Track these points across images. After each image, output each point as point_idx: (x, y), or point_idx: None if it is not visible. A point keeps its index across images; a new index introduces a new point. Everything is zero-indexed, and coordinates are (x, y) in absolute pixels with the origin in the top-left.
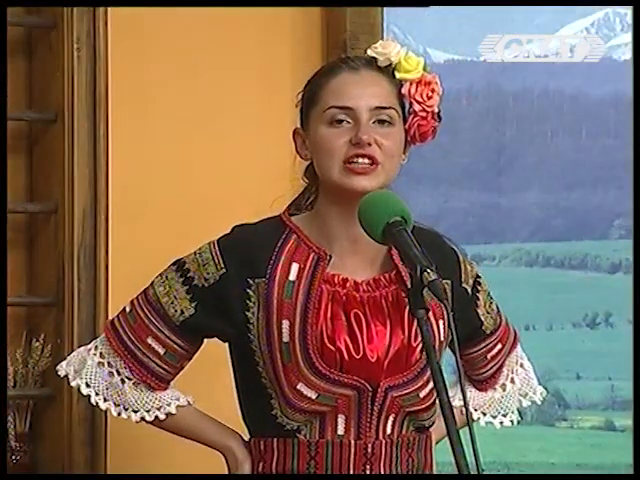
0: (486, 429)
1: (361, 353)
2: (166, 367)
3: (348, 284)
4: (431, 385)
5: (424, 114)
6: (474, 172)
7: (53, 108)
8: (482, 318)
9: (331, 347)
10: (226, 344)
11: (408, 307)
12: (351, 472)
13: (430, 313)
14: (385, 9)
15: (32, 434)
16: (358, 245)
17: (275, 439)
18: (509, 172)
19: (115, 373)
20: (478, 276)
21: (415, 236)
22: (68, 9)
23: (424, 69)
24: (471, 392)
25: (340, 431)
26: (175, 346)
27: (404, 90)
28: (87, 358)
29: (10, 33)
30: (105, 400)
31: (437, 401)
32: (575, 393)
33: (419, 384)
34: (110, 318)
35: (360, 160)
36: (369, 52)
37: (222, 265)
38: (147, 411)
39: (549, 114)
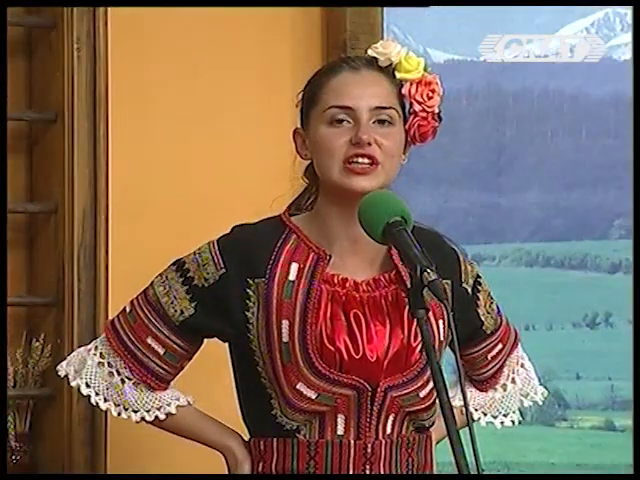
0: (486, 429)
1: (360, 353)
2: (166, 367)
3: (348, 284)
4: (431, 385)
5: (424, 114)
6: (474, 172)
7: (53, 108)
8: (482, 318)
9: (330, 347)
10: (226, 344)
11: (408, 307)
12: (351, 472)
13: (430, 313)
14: (385, 9)
15: (32, 434)
16: (358, 245)
17: (275, 439)
18: (509, 172)
19: (115, 373)
20: (478, 276)
21: (415, 236)
22: (68, 9)
23: (425, 69)
24: (472, 392)
25: (340, 431)
26: (175, 346)
27: (404, 90)
28: (87, 358)
29: (10, 33)
30: (105, 400)
31: (437, 401)
32: (575, 393)
33: (419, 384)
34: (110, 318)
35: (360, 160)
36: (370, 52)
37: (222, 265)
38: (147, 411)
39: (549, 114)
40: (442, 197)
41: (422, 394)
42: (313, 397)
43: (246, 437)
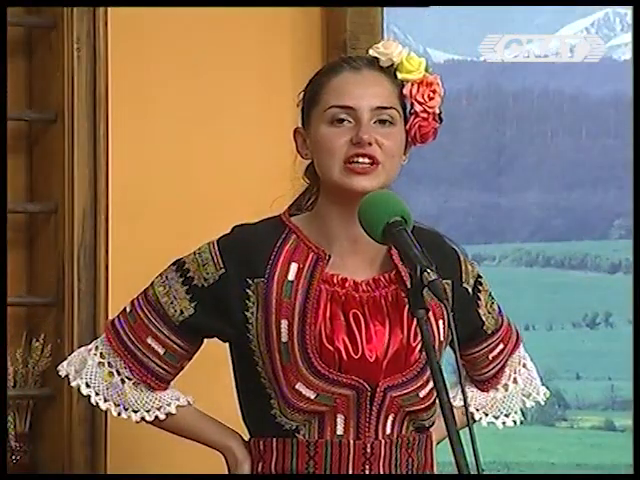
0: (486, 429)
1: (360, 353)
2: (166, 367)
3: (347, 284)
4: (431, 385)
5: (425, 115)
6: (474, 172)
7: (53, 108)
8: (483, 318)
9: (330, 347)
10: (226, 344)
11: (408, 307)
12: (350, 472)
13: (430, 313)
14: (385, 9)
15: (32, 434)
16: (358, 245)
17: (274, 439)
18: (509, 172)
19: (115, 373)
20: (479, 276)
21: (416, 236)
22: (68, 9)
23: (426, 70)
24: (473, 392)
25: (339, 431)
26: (175, 346)
27: (405, 91)
28: (88, 358)
29: (10, 33)
30: (105, 400)
31: (437, 401)
32: (575, 393)
33: (418, 384)
34: (110, 318)
35: (360, 160)
36: (371, 52)
37: (221, 265)
38: (147, 411)
39: (549, 114)
40: (442, 197)
41: (422, 394)
42: (312, 397)
43: (246, 437)
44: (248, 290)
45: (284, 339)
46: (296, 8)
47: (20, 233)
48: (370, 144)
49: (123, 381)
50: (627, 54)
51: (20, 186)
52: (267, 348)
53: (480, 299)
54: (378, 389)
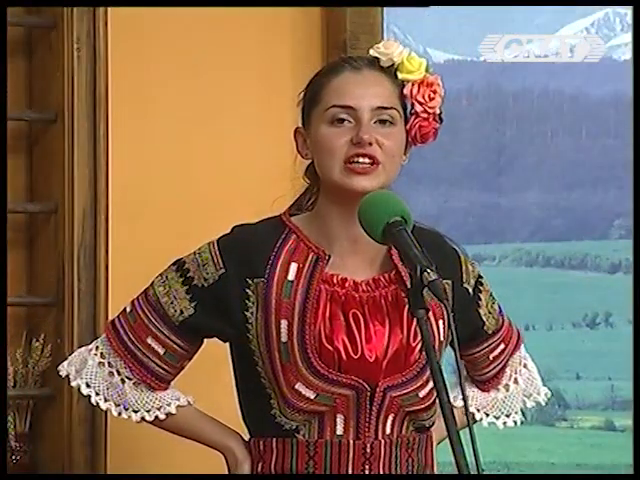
0: (486, 429)
1: (359, 353)
2: (166, 367)
3: (347, 284)
4: (430, 385)
5: (425, 115)
6: (474, 172)
7: (53, 108)
8: (484, 318)
9: (329, 347)
10: (226, 344)
11: (408, 307)
12: (350, 472)
13: (430, 313)
14: (385, 9)
15: (32, 434)
16: (358, 245)
17: (274, 439)
18: (509, 172)
19: (115, 373)
20: (480, 276)
21: (416, 236)
22: (68, 9)
23: (426, 70)
24: (474, 392)
25: (339, 431)
26: (175, 346)
27: (406, 91)
28: (88, 358)
29: (10, 33)
30: (105, 400)
31: (437, 401)
32: (575, 393)
33: (418, 384)
34: (111, 318)
35: (361, 160)
36: (372, 52)
37: (221, 265)
38: (147, 411)
39: (549, 114)
40: (442, 197)
41: (422, 394)
42: (312, 397)
43: (246, 437)
44: (248, 290)
45: (284, 339)
46: (296, 8)
47: (20, 233)
48: (370, 144)
49: (123, 381)
50: (627, 54)
51: (20, 186)
52: (267, 348)
53: (481, 299)
54: (378, 389)
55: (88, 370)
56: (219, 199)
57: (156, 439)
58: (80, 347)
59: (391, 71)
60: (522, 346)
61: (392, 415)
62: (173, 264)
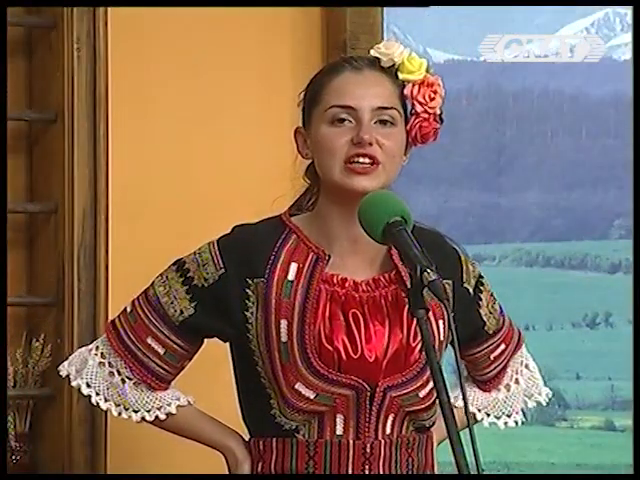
0: (486, 429)
1: (359, 353)
2: (166, 367)
3: (347, 284)
4: (431, 385)
5: (426, 115)
6: (474, 172)
7: (53, 108)
8: (484, 318)
9: (329, 347)
10: (226, 344)
11: (408, 307)
12: (350, 472)
13: (430, 313)
14: (385, 9)
15: (32, 434)
16: (358, 245)
17: (274, 439)
18: (509, 172)
19: (116, 373)
20: (481, 276)
21: (416, 236)
22: (68, 9)
23: (427, 70)
24: (475, 392)
25: (339, 431)
26: (175, 346)
27: (406, 91)
28: (88, 358)
29: (10, 33)
30: (106, 400)
31: (437, 401)
32: (575, 393)
33: (418, 384)
34: (111, 318)
35: (361, 160)
36: (372, 52)
37: (221, 265)
38: (147, 411)
39: (549, 114)
40: (442, 197)
41: (422, 394)
42: (312, 397)
43: (246, 437)
44: (248, 290)
45: (283, 339)
46: (296, 8)
47: (20, 233)
48: (371, 144)
49: (124, 381)
50: (627, 54)
51: (20, 186)
52: (267, 348)
53: (481, 299)
54: (378, 389)
55: (88, 370)
56: (219, 199)
57: (156, 439)
58: (80, 347)
59: (392, 71)
60: (523, 346)
61: (392, 415)
62: (173, 264)
